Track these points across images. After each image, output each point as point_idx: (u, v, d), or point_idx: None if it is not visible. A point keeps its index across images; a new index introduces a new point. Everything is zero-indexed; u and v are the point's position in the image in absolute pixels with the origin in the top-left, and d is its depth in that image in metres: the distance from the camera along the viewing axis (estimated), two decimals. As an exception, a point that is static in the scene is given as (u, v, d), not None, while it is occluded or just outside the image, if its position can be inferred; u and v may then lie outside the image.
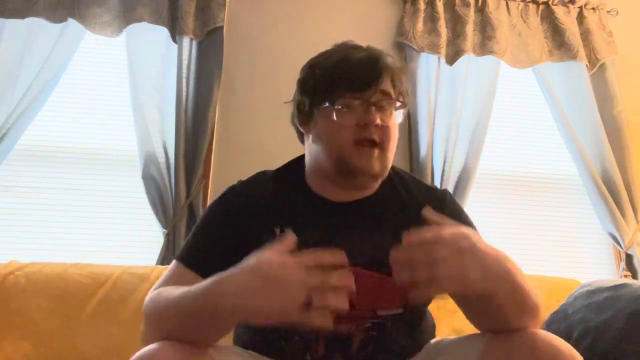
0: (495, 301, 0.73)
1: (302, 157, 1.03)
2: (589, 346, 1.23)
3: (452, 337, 0.93)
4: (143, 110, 1.85)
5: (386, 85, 0.91)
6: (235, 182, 1.00)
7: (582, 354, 1.03)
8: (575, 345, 1.25)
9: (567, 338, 1.29)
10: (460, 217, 0.97)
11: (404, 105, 0.94)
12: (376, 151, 0.90)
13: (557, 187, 2.16)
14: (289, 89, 2.05)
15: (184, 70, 1.88)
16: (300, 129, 1.01)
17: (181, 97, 1.85)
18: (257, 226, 0.90)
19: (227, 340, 1.06)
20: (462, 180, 1.96)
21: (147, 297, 0.82)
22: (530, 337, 0.74)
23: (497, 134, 2.13)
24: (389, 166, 0.94)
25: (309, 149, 0.99)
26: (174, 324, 0.74)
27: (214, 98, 1.87)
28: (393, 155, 0.94)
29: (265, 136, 1.95)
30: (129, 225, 1.84)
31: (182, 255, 0.91)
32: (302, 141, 1.03)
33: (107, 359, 1.32)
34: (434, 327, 1.02)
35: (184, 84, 1.87)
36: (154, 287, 0.86)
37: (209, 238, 0.92)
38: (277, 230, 0.89)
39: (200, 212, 1.79)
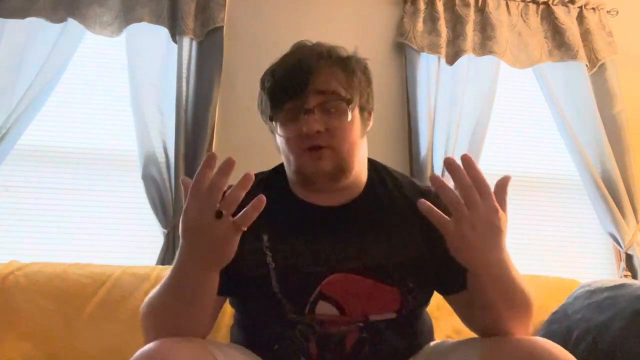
0: (493, 290, 0.76)
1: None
2: (589, 346, 1.23)
3: (452, 340, 0.92)
4: (143, 110, 1.85)
5: (321, 82, 0.87)
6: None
7: (582, 354, 1.04)
8: (575, 345, 1.25)
9: (567, 338, 1.30)
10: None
11: (348, 101, 0.88)
12: (325, 151, 0.87)
13: (557, 187, 2.16)
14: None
15: (184, 70, 1.88)
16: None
17: (181, 97, 1.85)
18: (246, 232, 0.83)
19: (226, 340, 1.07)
20: (462, 180, 1.96)
21: (143, 304, 0.86)
22: (528, 344, 0.73)
23: (497, 134, 2.13)
24: (348, 164, 0.89)
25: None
26: (162, 312, 0.80)
27: (214, 98, 1.87)
28: (354, 152, 0.90)
29: (265, 136, 1.93)
30: (129, 225, 1.84)
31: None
32: None
33: (107, 359, 1.32)
34: (431, 327, 1.00)
35: (184, 84, 1.87)
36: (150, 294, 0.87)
37: None
38: (265, 237, 0.88)
39: (200, 212, 1.78)
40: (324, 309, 0.86)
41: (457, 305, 0.91)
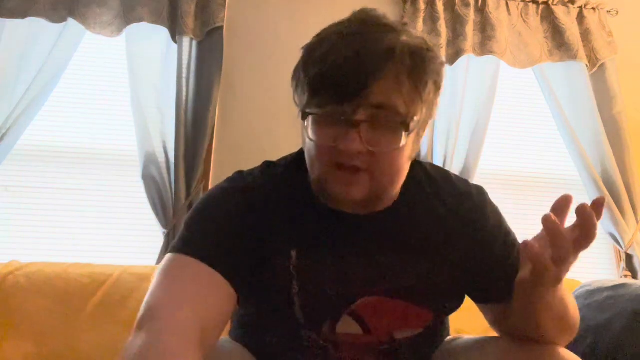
0: (546, 314, 0.71)
1: (302, 153, 0.80)
2: (589, 346, 1.23)
3: (466, 337, 0.86)
4: (143, 110, 1.85)
5: (381, 94, 0.65)
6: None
7: (582, 354, 1.03)
8: (575, 345, 1.25)
9: (567, 338, 1.30)
10: (501, 229, 0.81)
11: (405, 126, 0.66)
12: (361, 176, 0.68)
13: (557, 187, 2.16)
14: (289, 88, 2.04)
15: (184, 70, 1.88)
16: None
17: (181, 97, 1.85)
18: (273, 242, 0.74)
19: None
20: (462, 180, 1.96)
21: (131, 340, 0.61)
22: (550, 354, 0.70)
23: (497, 134, 2.13)
24: (388, 192, 0.74)
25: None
26: None
27: (213, 98, 1.87)
28: (396, 180, 0.72)
29: (265, 136, 1.95)
30: (129, 225, 1.84)
31: (184, 248, 0.69)
32: None
33: (107, 359, 1.32)
34: (448, 331, 0.91)
35: (184, 84, 1.87)
36: (148, 301, 0.67)
37: (234, 237, 0.72)
38: (294, 254, 0.73)
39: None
40: (347, 326, 0.74)
41: (493, 312, 0.82)
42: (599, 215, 0.62)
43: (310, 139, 0.69)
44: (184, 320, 0.60)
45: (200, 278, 0.65)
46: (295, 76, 0.75)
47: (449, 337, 0.89)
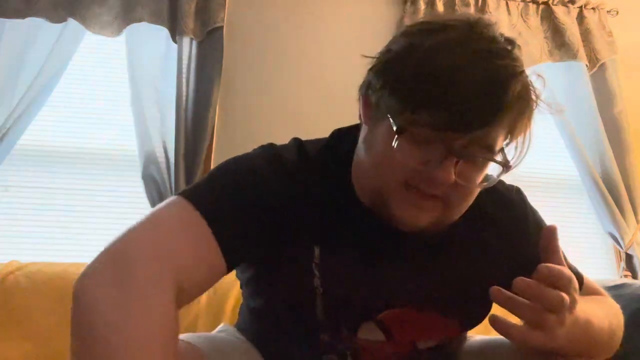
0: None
1: (347, 135, 0.74)
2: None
3: (478, 337, 0.83)
4: (143, 110, 1.85)
5: (492, 138, 0.60)
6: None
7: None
8: (575, 345, 1.25)
9: (567, 338, 1.30)
10: (537, 230, 0.74)
11: (506, 166, 0.63)
12: (436, 202, 0.63)
13: (557, 187, 2.16)
14: (289, 88, 2.05)
15: (184, 70, 1.88)
16: (360, 110, 0.70)
17: (181, 97, 1.85)
18: (295, 232, 0.67)
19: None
20: (462, 180, 1.96)
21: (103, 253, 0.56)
22: None
23: (497, 134, 2.13)
24: (452, 220, 0.67)
25: (360, 146, 0.70)
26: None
27: (213, 98, 1.87)
28: (464, 210, 0.67)
29: (265, 136, 1.92)
30: (129, 226, 1.83)
31: (195, 196, 0.63)
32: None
33: (107, 359, 1.32)
34: (466, 335, 0.85)
35: (184, 84, 1.87)
36: (133, 227, 0.61)
37: (253, 219, 0.65)
38: (317, 250, 0.67)
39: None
40: (369, 332, 0.69)
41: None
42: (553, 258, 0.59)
43: (396, 156, 0.60)
44: (159, 273, 0.54)
45: (196, 238, 0.60)
46: (391, 70, 0.63)
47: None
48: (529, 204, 0.81)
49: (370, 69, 0.67)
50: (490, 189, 0.70)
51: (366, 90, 0.68)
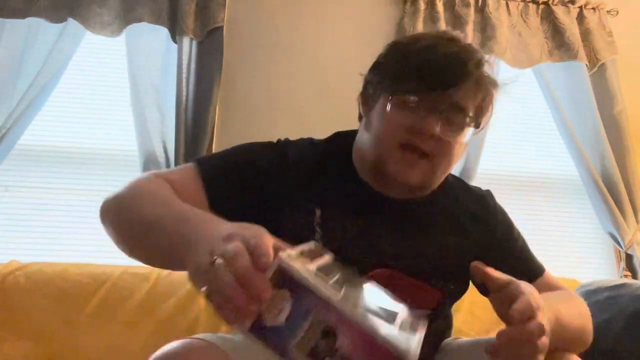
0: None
1: (349, 134, 0.92)
2: (589, 346, 1.23)
3: (462, 339, 0.89)
4: (143, 110, 1.85)
5: (464, 96, 0.78)
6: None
7: (582, 354, 1.03)
8: (575, 345, 1.25)
9: (567, 338, 1.30)
10: (512, 231, 0.93)
11: (476, 125, 0.82)
12: (422, 161, 0.79)
13: (557, 187, 2.16)
14: (289, 88, 2.05)
15: (184, 70, 1.88)
16: (360, 108, 0.89)
17: (181, 97, 1.85)
18: (298, 197, 0.81)
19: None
20: (462, 180, 1.96)
21: (140, 176, 0.79)
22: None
23: (497, 134, 2.13)
24: (436, 182, 0.84)
25: (360, 133, 0.88)
26: (127, 220, 0.74)
27: (214, 98, 1.87)
28: (447, 171, 0.84)
29: (265, 136, 1.93)
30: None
31: (203, 165, 0.82)
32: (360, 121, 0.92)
33: (107, 359, 1.32)
34: (452, 322, 0.93)
35: (184, 83, 1.87)
36: (155, 172, 0.82)
37: (240, 172, 0.82)
38: (318, 212, 0.79)
39: (200, 212, 1.78)
40: None
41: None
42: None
43: (386, 117, 0.79)
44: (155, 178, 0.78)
45: (190, 193, 0.76)
46: (384, 57, 0.85)
47: (449, 339, 0.90)
48: (496, 201, 0.97)
49: (366, 73, 0.88)
50: (466, 187, 0.95)
51: (363, 88, 0.88)
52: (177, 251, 0.56)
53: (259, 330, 0.45)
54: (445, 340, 0.90)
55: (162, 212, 0.65)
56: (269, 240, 0.47)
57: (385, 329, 0.45)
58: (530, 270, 0.90)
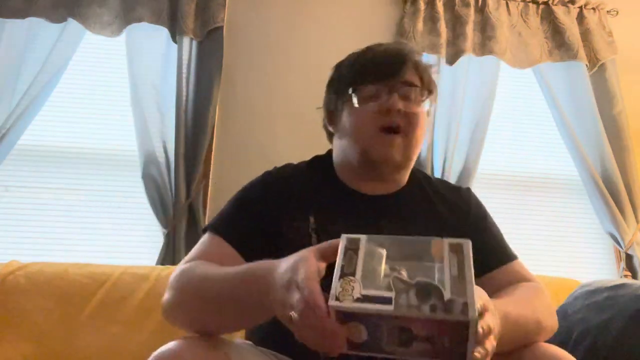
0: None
1: (328, 154, 1.04)
2: (589, 346, 1.23)
3: None
4: (143, 110, 1.85)
5: (410, 75, 0.93)
6: (240, 180, 1.02)
7: (582, 354, 1.03)
8: (575, 345, 1.25)
9: (567, 338, 1.30)
10: (486, 219, 1.01)
11: (430, 94, 0.96)
12: (399, 139, 0.91)
13: (557, 187, 2.16)
14: (289, 88, 2.06)
15: (184, 70, 1.88)
16: (329, 128, 1.03)
17: (181, 97, 1.85)
18: (292, 211, 0.91)
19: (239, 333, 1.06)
20: (462, 181, 1.96)
21: (177, 269, 0.81)
22: (533, 350, 0.75)
23: (497, 134, 2.13)
24: (414, 157, 0.96)
25: (336, 146, 1.00)
26: (201, 303, 0.74)
27: (214, 98, 1.87)
28: (419, 145, 0.95)
29: (265, 136, 1.95)
30: (129, 225, 1.84)
31: (218, 227, 0.90)
32: (331, 142, 1.05)
33: (107, 359, 1.32)
34: None
35: (184, 83, 1.87)
36: (185, 259, 0.86)
37: (247, 213, 0.92)
38: (312, 219, 0.89)
39: (201, 212, 1.79)
40: None
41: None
42: None
43: (356, 110, 0.92)
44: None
45: (226, 256, 0.85)
46: (335, 80, 1.01)
47: None
48: (475, 197, 1.05)
49: (324, 100, 1.05)
50: (448, 184, 1.07)
51: (326, 110, 1.03)
52: (258, 305, 0.66)
53: (354, 347, 0.55)
54: None
55: (226, 284, 0.73)
56: (313, 276, 0.58)
57: (440, 302, 0.51)
58: (501, 254, 0.95)
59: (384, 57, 0.94)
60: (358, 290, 0.54)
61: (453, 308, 0.51)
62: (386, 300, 0.52)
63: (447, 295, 0.52)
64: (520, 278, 0.91)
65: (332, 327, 0.54)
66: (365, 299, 0.53)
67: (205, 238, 0.90)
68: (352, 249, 0.59)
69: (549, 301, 0.86)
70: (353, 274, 0.56)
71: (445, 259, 0.56)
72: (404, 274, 0.55)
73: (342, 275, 0.56)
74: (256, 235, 0.88)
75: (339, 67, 1.02)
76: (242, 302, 0.69)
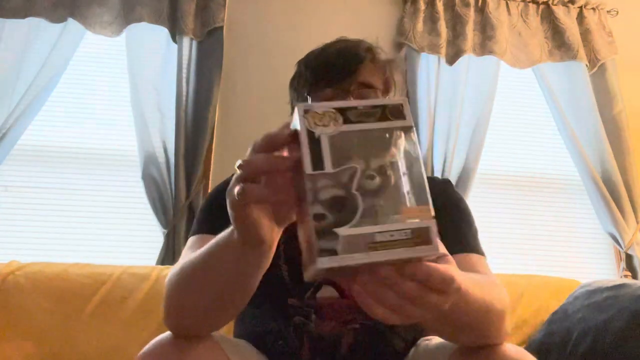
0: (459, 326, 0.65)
1: None
2: (589, 346, 1.23)
3: (436, 341, 0.86)
4: (143, 110, 1.85)
5: (367, 75, 0.90)
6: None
7: (582, 354, 1.03)
8: (575, 345, 1.25)
9: (567, 338, 1.30)
10: (459, 207, 0.94)
11: (387, 92, 0.93)
12: None
13: (557, 187, 2.16)
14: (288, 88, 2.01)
15: (184, 70, 1.88)
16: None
17: (181, 97, 1.85)
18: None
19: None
20: (462, 180, 1.96)
21: (168, 275, 0.74)
22: (496, 352, 0.69)
23: (497, 134, 2.13)
24: None
25: None
26: (194, 289, 0.67)
27: (214, 98, 1.87)
28: None
29: (265, 136, 1.95)
30: (129, 225, 1.84)
31: (196, 229, 0.91)
32: None
33: (107, 359, 1.32)
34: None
35: (184, 84, 1.87)
36: (174, 266, 0.78)
37: (219, 209, 0.82)
38: (282, 247, 0.85)
39: (200, 212, 1.79)
40: (326, 292, 0.85)
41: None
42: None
43: None
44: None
45: (199, 244, 0.79)
46: (296, 76, 0.99)
47: (423, 338, 0.89)
48: (451, 187, 1.01)
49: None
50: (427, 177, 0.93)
51: (291, 101, 1.03)
52: (230, 251, 0.61)
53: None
54: (423, 337, 0.89)
55: (197, 260, 0.67)
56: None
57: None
58: (457, 242, 0.84)
59: (339, 58, 0.91)
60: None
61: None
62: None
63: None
64: (473, 272, 0.79)
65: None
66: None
67: (188, 244, 0.88)
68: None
69: (501, 291, 0.73)
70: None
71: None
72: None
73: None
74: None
75: (299, 64, 1.00)
76: (216, 264, 0.63)
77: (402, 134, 0.50)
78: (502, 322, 0.70)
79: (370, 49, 0.93)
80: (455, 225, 0.91)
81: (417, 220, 0.47)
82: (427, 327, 0.72)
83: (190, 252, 0.82)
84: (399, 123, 0.50)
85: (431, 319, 0.57)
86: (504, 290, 0.75)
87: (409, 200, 0.48)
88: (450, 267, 0.49)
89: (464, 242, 0.88)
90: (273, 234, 0.58)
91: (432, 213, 0.48)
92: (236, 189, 0.51)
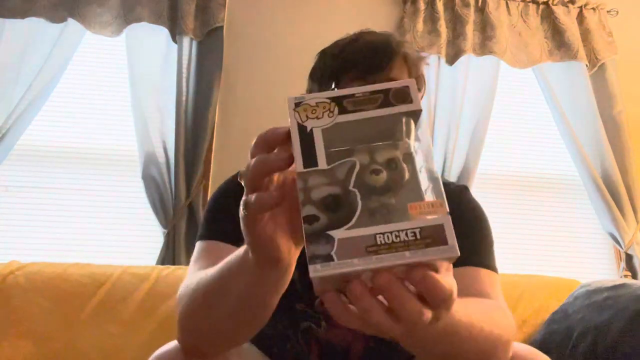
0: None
1: None
2: (589, 346, 1.23)
3: None
4: (143, 110, 1.85)
5: (397, 71, 0.85)
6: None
7: (582, 354, 1.02)
8: (575, 345, 1.25)
9: (567, 338, 1.30)
10: (475, 213, 0.87)
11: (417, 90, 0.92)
12: None
13: (557, 187, 2.16)
14: (289, 88, 2.05)
15: (184, 70, 1.88)
16: None
17: (181, 97, 1.86)
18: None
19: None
20: (462, 180, 1.96)
21: (178, 293, 0.71)
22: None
23: (497, 134, 2.13)
24: None
25: None
26: (208, 314, 0.63)
27: (214, 98, 1.87)
28: None
29: (265, 136, 1.95)
30: (129, 225, 1.84)
31: (202, 232, 0.86)
32: None
33: (107, 359, 1.32)
34: None
35: (184, 84, 1.87)
36: (185, 279, 0.75)
37: (224, 212, 0.84)
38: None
39: (201, 212, 1.79)
40: None
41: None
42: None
43: None
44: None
45: (211, 253, 0.78)
46: (319, 69, 0.92)
47: None
48: (468, 195, 0.93)
49: (307, 86, 0.96)
50: (443, 182, 0.90)
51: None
52: (243, 270, 0.56)
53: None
54: None
55: (210, 279, 0.63)
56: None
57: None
58: (475, 256, 0.79)
59: (370, 51, 0.85)
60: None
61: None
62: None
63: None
64: (479, 290, 0.74)
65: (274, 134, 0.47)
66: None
67: (196, 250, 0.84)
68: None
69: (506, 316, 0.68)
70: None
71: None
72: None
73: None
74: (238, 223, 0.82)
75: (323, 54, 0.93)
76: (231, 288, 0.58)
77: (412, 121, 0.43)
78: (507, 353, 0.64)
79: (401, 44, 0.88)
80: (466, 234, 0.73)
81: (427, 217, 0.39)
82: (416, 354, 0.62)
83: (199, 263, 0.78)
84: (404, 107, 0.44)
85: (414, 347, 0.52)
86: (509, 316, 0.69)
87: (428, 198, 0.40)
88: (449, 279, 0.41)
89: (473, 252, 0.78)
90: (291, 252, 0.52)
91: (447, 208, 0.40)
92: (244, 203, 0.47)
